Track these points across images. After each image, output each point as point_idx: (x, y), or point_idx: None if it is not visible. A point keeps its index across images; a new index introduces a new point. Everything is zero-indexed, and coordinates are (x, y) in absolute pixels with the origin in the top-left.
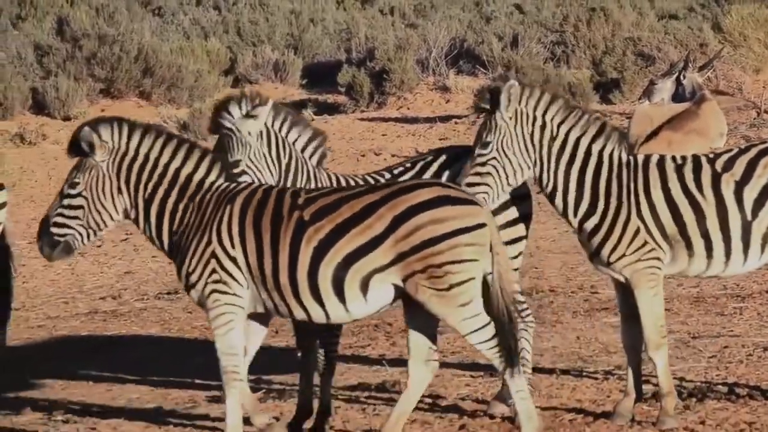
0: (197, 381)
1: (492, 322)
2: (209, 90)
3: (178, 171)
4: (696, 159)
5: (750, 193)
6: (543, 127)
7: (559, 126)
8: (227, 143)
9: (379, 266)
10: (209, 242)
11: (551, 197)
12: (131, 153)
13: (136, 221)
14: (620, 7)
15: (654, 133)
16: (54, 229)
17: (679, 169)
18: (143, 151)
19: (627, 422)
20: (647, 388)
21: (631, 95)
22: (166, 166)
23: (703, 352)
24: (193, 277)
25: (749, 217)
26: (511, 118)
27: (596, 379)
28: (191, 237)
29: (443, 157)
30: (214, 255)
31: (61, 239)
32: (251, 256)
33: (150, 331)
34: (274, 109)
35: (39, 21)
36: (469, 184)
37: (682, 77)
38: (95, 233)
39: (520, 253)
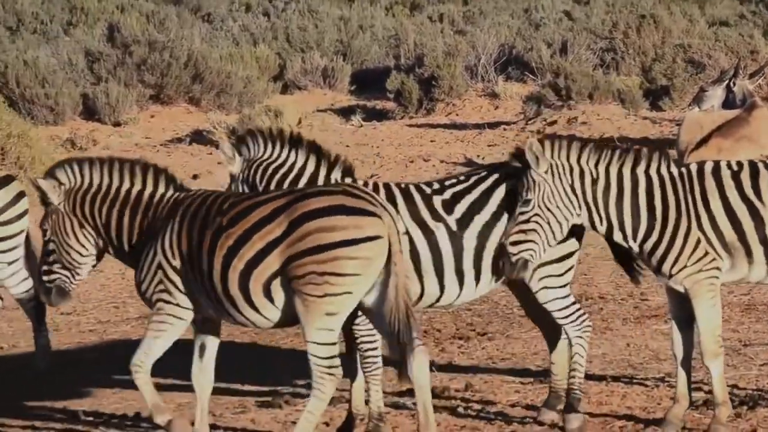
0: (246, 387)
1: (335, 346)
2: (258, 96)
3: (128, 192)
4: (753, 165)
5: None
6: (582, 173)
7: (596, 166)
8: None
9: (274, 271)
10: (156, 253)
11: (608, 235)
12: (84, 186)
13: (106, 248)
14: (670, 14)
15: (704, 140)
16: (44, 277)
17: (736, 176)
18: (95, 181)
19: (677, 430)
20: (698, 396)
21: (681, 102)
22: (117, 189)
23: (754, 359)
24: (143, 286)
25: None
26: (546, 173)
27: (646, 386)
28: (144, 249)
29: (496, 175)
30: (160, 266)
31: (52, 285)
32: (186, 262)
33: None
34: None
35: (90, 27)
36: (514, 243)
37: (732, 84)
38: (78, 271)
39: (570, 268)
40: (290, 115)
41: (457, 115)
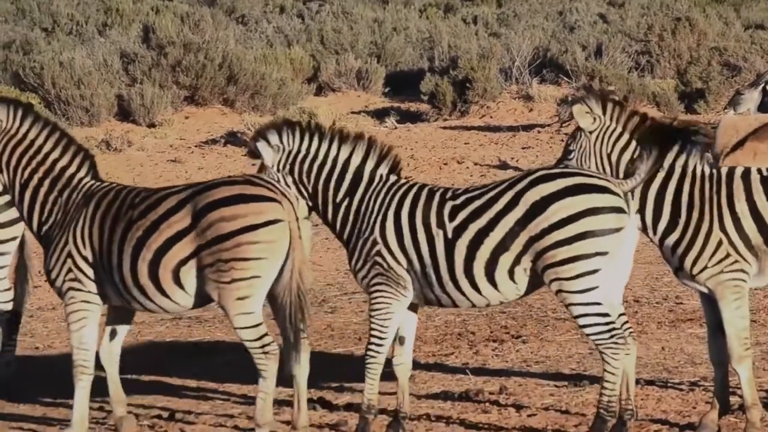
0: (281, 387)
1: (261, 325)
2: (293, 98)
3: (55, 162)
4: None
5: None
6: (626, 144)
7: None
8: None
9: (182, 259)
10: (66, 242)
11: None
12: (18, 136)
13: (13, 200)
14: (706, 17)
15: (740, 144)
16: None
17: (765, 181)
18: (30, 136)
19: None
20: (734, 400)
21: (717, 105)
22: (46, 155)
23: None
24: (53, 274)
25: None
26: (591, 133)
27: (682, 390)
28: (55, 233)
29: (543, 173)
30: (70, 254)
31: None
32: (98, 255)
33: (234, 337)
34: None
35: (125, 29)
36: None
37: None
38: None
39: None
40: (324, 116)
41: (491, 117)
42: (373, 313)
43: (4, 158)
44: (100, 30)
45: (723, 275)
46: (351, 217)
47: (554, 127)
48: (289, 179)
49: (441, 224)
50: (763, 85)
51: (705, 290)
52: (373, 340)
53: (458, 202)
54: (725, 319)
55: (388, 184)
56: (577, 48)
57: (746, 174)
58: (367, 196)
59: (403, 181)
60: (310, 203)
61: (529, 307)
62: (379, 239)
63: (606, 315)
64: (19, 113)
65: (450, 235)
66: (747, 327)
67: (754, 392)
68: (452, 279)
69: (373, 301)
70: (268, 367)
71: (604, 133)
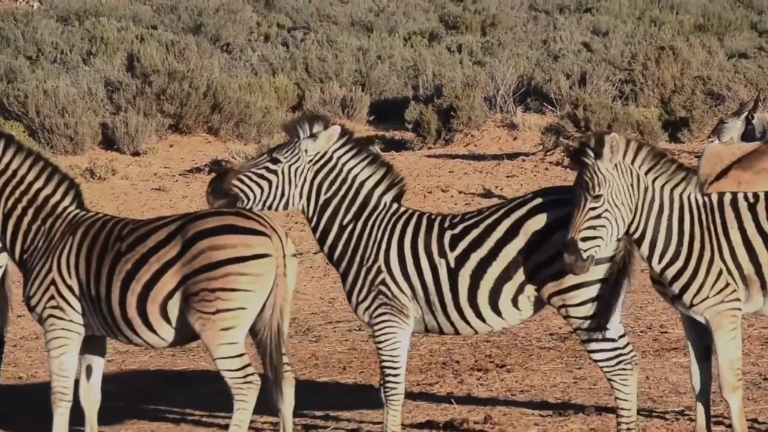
0: (267, 417)
1: (244, 356)
2: (277, 126)
3: (38, 191)
4: None
5: None
6: (638, 178)
7: (646, 174)
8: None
9: (170, 291)
10: (50, 270)
11: (637, 244)
12: (1, 166)
13: None
14: (690, 46)
15: (724, 173)
16: None
17: (752, 208)
18: (13, 166)
19: None
20: (718, 430)
21: (700, 134)
22: (30, 184)
23: None
24: (34, 300)
25: None
26: (615, 169)
27: (666, 419)
28: (37, 260)
29: (539, 200)
30: (53, 282)
31: None
32: (84, 286)
33: None
34: (341, 136)
35: (109, 57)
36: (585, 239)
37: (751, 116)
38: None
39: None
40: None
41: (475, 145)
42: (380, 345)
43: None
44: (84, 58)
45: (723, 305)
46: (353, 243)
47: (539, 156)
48: (303, 180)
49: (443, 254)
50: (746, 113)
51: (702, 320)
52: (387, 372)
53: (456, 231)
54: (720, 348)
55: (391, 211)
56: (562, 76)
57: (734, 201)
58: (371, 222)
59: (404, 209)
60: (313, 217)
61: (514, 336)
62: (383, 267)
63: (612, 341)
64: (1, 144)
65: (453, 264)
66: (740, 357)
67: (744, 424)
68: (456, 308)
69: (379, 333)
70: (248, 397)
71: None
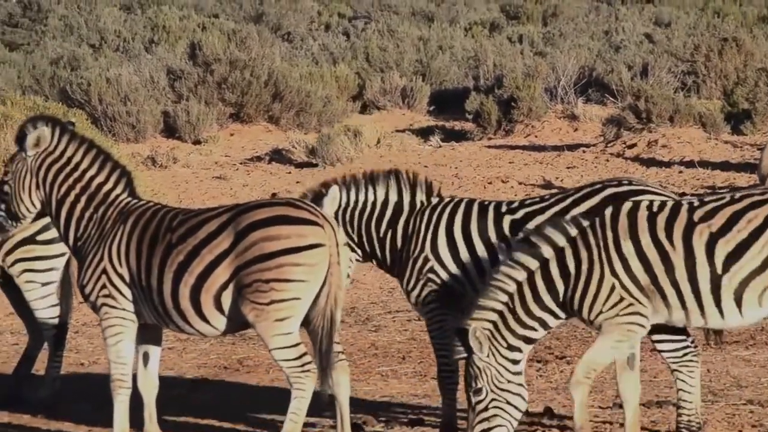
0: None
1: (300, 344)
2: (337, 115)
3: (91, 179)
4: (674, 206)
5: (724, 247)
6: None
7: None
8: None
9: (224, 282)
10: (102, 258)
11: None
12: (56, 153)
13: (50, 216)
14: (753, 37)
15: None
16: None
17: (652, 218)
18: (68, 153)
19: None
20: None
21: (763, 126)
22: (84, 171)
23: None
24: (87, 289)
25: (719, 271)
26: (488, 356)
27: (727, 413)
28: (89, 249)
29: (610, 191)
30: (104, 271)
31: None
32: (134, 275)
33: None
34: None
35: (171, 46)
36: None
37: None
38: (18, 220)
39: None
40: (369, 135)
41: (536, 136)
42: (432, 334)
43: (41, 175)
44: (146, 47)
45: (618, 318)
46: (398, 245)
47: (599, 147)
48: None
49: (503, 238)
50: None
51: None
52: (441, 361)
53: (518, 216)
54: (595, 346)
55: (432, 205)
56: (623, 68)
57: (634, 210)
58: (412, 220)
59: (447, 199)
60: (366, 251)
61: (574, 328)
62: (431, 256)
63: (680, 332)
64: (57, 131)
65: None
66: (604, 365)
67: (585, 416)
68: None
69: (430, 322)
70: (306, 386)
71: None
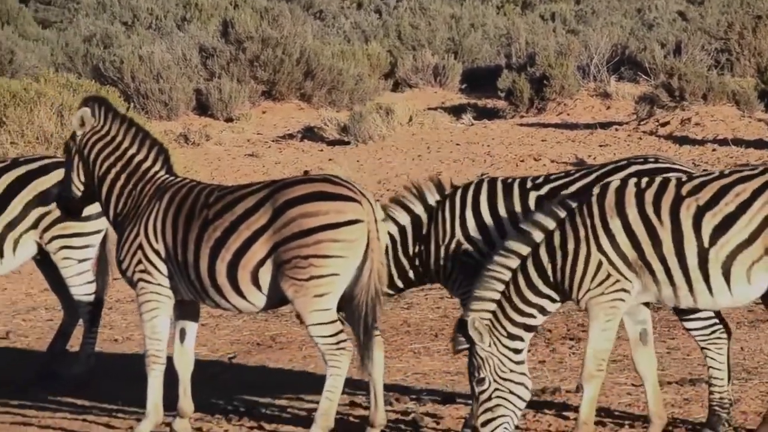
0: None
1: (337, 322)
2: (369, 93)
3: (132, 156)
4: (662, 182)
5: (711, 220)
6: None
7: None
8: None
9: (261, 258)
10: (138, 234)
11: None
12: (102, 132)
13: (92, 192)
14: None
15: None
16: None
17: (640, 195)
18: (111, 132)
19: None
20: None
21: None
22: (125, 150)
23: None
24: (124, 264)
25: (706, 245)
26: (490, 346)
27: (761, 390)
28: (127, 224)
29: (636, 167)
30: (140, 246)
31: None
32: (170, 251)
33: None
34: None
35: (204, 23)
36: (485, 423)
37: None
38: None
39: None
40: (401, 113)
41: (568, 114)
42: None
43: (86, 153)
44: (179, 24)
45: (602, 297)
46: (431, 249)
47: (632, 125)
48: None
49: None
50: None
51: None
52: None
53: (543, 192)
54: (590, 336)
55: (449, 195)
56: (656, 45)
57: (622, 187)
58: (433, 221)
59: (465, 184)
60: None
61: None
62: (462, 239)
63: (707, 310)
64: (103, 110)
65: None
66: (608, 349)
67: (592, 412)
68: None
69: (464, 300)
70: (342, 363)
71: None
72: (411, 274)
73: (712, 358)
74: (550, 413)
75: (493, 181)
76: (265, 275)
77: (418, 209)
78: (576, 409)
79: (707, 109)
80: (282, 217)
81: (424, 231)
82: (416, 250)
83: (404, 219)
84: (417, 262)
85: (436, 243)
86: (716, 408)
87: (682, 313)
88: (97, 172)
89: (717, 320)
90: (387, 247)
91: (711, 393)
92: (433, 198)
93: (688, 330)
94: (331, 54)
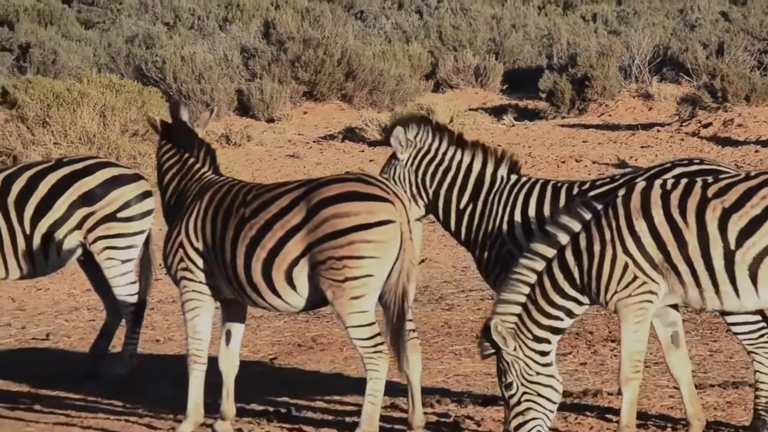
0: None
1: (374, 324)
2: (410, 94)
3: (182, 154)
4: (689, 184)
5: (737, 222)
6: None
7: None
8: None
9: (295, 258)
10: (180, 232)
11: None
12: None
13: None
14: None
15: None
16: None
17: (665, 196)
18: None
19: None
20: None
21: None
22: (177, 149)
23: None
24: (168, 261)
25: (732, 247)
26: (515, 350)
27: None
28: (172, 222)
29: (680, 169)
30: (182, 244)
31: None
32: (210, 249)
33: None
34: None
35: (245, 24)
36: (518, 427)
37: None
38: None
39: None
40: (442, 113)
41: (609, 115)
42: None
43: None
44: (220, 25)
45: (630, 299)
46: (476, 222)
47: (674, 126)
48: (413, 178)
49: None
50: None
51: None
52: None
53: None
54: (622, 339)
55: (510, 183)
56: (698, 46)
57: (647, 189)
58: (491, 198)
59: (524, 179)
60: (428, 206)
61: None
62: (507, 239)
63: (756, 313)
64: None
65: None
66: (642, 350)
67: (633, 414)
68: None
69: None
70: (380, 366)
71: None
72: (440, 213)
73: (759, 362)
74: (591, 416)
75: (545, 184)
76: (300, 275)
77: (488, 168)
78: (617, 412)
79: (750, 111)
80: (315, 217)
81: (479, 196)
82: (464, 203)
83: (471, 161)
84: (451, 211)
85: (485, 232)
86: (762, 412)
87: (729, 318)
88: (158, 170)
89: (765, 324)
90: (448, 173)
91: (757, 397)
92: (503, 171)
93: (735, 334)
94: (372, 54)
